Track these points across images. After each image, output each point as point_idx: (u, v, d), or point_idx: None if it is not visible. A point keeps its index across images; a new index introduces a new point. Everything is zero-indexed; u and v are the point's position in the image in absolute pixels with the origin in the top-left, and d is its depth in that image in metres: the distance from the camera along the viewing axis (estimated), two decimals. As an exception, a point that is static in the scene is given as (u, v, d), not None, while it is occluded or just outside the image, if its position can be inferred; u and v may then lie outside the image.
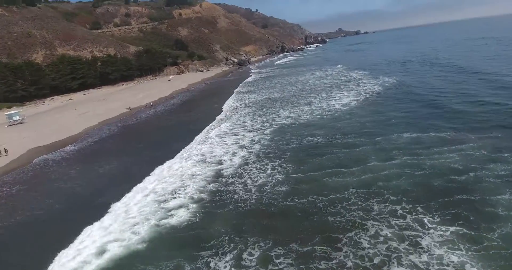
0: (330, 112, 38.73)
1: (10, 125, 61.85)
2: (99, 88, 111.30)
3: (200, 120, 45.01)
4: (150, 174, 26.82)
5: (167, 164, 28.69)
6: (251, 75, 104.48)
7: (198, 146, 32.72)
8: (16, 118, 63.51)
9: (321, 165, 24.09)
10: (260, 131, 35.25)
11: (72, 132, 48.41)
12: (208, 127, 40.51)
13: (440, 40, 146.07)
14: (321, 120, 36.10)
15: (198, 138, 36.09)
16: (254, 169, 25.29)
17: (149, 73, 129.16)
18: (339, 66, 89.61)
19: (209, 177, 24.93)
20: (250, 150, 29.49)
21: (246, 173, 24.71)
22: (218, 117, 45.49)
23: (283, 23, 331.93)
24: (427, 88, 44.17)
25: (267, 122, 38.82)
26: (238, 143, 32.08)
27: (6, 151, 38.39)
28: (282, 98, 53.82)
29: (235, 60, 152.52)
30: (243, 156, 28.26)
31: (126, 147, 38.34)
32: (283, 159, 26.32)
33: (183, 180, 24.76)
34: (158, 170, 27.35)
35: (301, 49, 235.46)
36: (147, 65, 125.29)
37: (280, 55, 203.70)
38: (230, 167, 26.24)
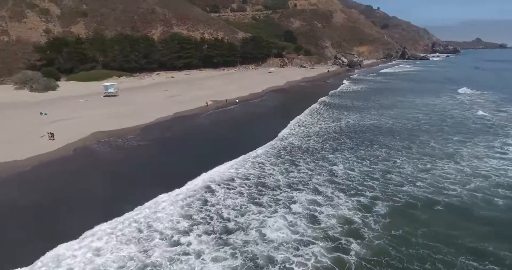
0: None
1: (105, 95, 59.53)
2: (201, 70, 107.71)
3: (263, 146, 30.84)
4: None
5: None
6: (360, 82, 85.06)
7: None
8: (111, 90, 61.03)
9: None
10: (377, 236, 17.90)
11: (141, 120, 41.06)
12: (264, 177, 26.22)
13: None
14: (507, 216, 17.88)
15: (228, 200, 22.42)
16: None
17: (252, 61, 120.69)
18: (488, 91, 63.01)
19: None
20: None
21: None
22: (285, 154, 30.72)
23: (407, 25, 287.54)
24: None
25: (386, 199, 19.95)
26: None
27: (52, 135, 31.67)
28: (401, 130, 35.34)
29: (345, 60, 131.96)
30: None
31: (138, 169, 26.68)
32: None
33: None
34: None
35: (426, 58, 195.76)
36: (251, 53, 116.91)
37: (398, 61, 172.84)
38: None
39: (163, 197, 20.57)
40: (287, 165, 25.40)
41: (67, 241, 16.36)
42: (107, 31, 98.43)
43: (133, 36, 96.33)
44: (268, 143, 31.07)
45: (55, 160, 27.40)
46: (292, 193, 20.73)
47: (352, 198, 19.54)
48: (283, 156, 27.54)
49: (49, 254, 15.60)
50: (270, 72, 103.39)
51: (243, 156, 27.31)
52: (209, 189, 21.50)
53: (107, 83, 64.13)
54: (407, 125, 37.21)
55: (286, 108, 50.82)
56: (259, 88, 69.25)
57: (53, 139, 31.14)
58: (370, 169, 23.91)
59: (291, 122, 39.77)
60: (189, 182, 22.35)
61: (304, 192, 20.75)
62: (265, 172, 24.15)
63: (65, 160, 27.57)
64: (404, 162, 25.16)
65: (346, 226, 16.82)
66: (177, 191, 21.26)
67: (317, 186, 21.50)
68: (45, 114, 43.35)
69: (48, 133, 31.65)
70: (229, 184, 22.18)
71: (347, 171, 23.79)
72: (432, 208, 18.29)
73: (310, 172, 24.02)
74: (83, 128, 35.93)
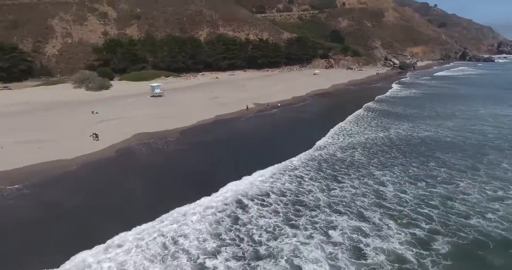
0: None
1: (152, 96, 61.22)
2: (245, 71, 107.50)
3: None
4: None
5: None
6: (412, 87, 78.20)
7: None
8: (157, 91, 62.55)
9: None
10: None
11: (183, 122, 40.91)
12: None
13: None
14: None
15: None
16: None
17: (297, 62, 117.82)
18: None
19: None
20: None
21: None
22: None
23: (468, 23, 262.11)
24: None
25: (447, 234, 16.23)
26: None
27: (97, 136, 32.54)
28: (464, 145, 30.29)
29: (397, 62, 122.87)
30: None
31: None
32: None
33: None
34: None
35: (490, 59, 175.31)
36: (295, 54, 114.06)
37: (457, 63, 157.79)
38: None
39: (193, 208, 19.56)
40: (329, 181, 22.98)
41: (94, 246, 16.27)
42: (157, 32, 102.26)
43: (181, 37, 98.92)
44: (308, 153, 28.80)
45: (99, 161, 27.90)
46: (332, 216, 18.41)
47: (404, 229, 16.66)
48: (324, 170, 25.12)
49: (76, 259, 15.40)
50: (315, 73, 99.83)
51: (279, 167, 25.48)
52: (241, 204, 19.99)
53: (154, 84, 65.85)
54: (471, 140, 32.19)
55: (329, 114, 47.74)
56: (303, 91, 66.56)
57: (97, 140, 31.97)
58: (427, 193, 20.56)
59: (332, 130, 36.97)
60: (219, 191, 21.48)
61: (347, 216, 18.29)
62: (303, 188, 22.02)
63: (107, 162, 27.95)
64: (469, 187, 21.32)
65: (397, 265, 14.17)
66: (208, 200, 20.32)
67: (362, 210, 18.89)
68: (96, 113, 45.32)
69: (93, 134, 32.57)
70: (263, 200, 20.47)
71: (398, 193, 20.72)
72: (509, 250, 14.80)
73: (353, 191, 21.40)
74: (128, 128, 36.72)
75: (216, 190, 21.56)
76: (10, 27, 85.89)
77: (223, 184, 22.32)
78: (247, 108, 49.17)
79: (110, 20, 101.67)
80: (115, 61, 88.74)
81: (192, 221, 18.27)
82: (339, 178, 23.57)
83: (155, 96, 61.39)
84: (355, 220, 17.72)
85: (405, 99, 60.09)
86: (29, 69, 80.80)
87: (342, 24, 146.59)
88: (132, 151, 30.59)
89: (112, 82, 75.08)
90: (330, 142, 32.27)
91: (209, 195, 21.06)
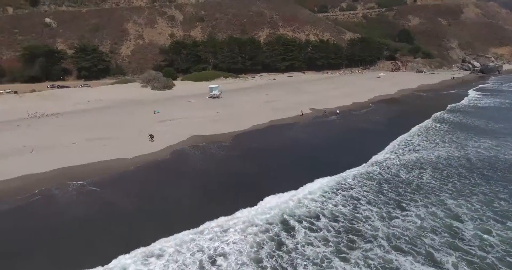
0: None
1: (210, 97, 62.44)
2: (303, 72, 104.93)
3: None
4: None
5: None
6: (495, 95, 67.58)
7: None
8: (215, 92, 63.56)
9: None
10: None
11: (238, 126, 40.39)
12: None
13: None
14: None
15: None
16: None
17: (359, 64, 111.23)
18: None
19: None
20: None
21: None
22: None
23: None
24: None
25: None
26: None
27: (152, 137, 33.56)
28: None
29: (477, 64, 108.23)
30: None
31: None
32: None
33: None
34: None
35: None
36: (358, 55, 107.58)
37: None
38: None
39: (235, 223, 18.49)
40: (390, 207, 19.98)
41: (135, 249, 16.47)
42: (219, 34, 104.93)
43: (241, 39, 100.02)
44: (364, 170, 25.78)
45: (154, 161, 28.52)
46: (392, 253, 15.65)
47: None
48: (385, 192, 22.04)
49: (116, 266, 15.49)
50: (379, 77, 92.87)
51: (332, 184, 23.11)
52: (287, 225, 18.26)
53: (212, 85, 66.96)
54: None
55: (393, 123, 43.00)
56: (365, 97, 61.75)
57: (153, 141, 32.93)
58: (519, 237, 16.49)
59: (393, 143, 33.01)
60: (263, 204, 20.56)
61: (411, 256, 15.37)
62: (359, 213, 19.42)
63: (161, 164, 28.39)
64: None
65: None
66: (252, 214, 19.44)
67: (430, 249, 15.75)
68: (158, 112, 47.36)
69: (149, 135, 33.67)
70: (312, 223, 18.46)
71: (480, 233, 16.95)
72: None
73: (420, 223, 18.17)
74: (185, 130, 37.40)
75: (256, 203, 20.61)
76: (92, 30, 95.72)
77: (268, 195, 21.38)
78: (302, 114, 46.79)
79: (177, 22, 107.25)
80: (179, 62, 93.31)
81: (232, 240, 17.13)
82: (403, 204, 20.38)
83: (213, 97, 62.40)
84: (422, 264, 14.77)
85: (486, 109, 51.89)
86: (106, 68, 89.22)
87: (412, 23, 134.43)
88: (185, 154, 30.83)
89: (175, 81, 78.86)
90: (393, 158, 28.64)
91: (253, 205, 20.17)
